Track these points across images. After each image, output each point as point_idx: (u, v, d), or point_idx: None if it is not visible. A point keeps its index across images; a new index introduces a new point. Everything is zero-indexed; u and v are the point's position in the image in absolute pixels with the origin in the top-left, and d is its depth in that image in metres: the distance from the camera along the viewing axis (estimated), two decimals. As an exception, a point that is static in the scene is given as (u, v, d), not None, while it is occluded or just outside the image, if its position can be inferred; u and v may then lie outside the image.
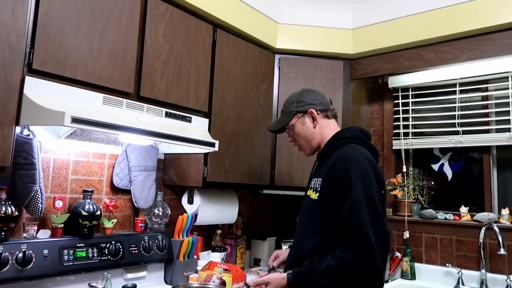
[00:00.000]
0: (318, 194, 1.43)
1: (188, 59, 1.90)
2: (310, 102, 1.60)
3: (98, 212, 1.71)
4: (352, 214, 1.29)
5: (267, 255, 2.60)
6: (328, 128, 1.58)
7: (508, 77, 2.24)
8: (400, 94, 2.61)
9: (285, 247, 2.59)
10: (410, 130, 2.59)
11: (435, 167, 2.57)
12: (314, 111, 1.58)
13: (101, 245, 1.73)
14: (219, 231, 2.33)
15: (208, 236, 2.37)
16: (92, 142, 1.79)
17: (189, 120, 1.87)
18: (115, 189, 1.93)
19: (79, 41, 1.48)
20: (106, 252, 1.73)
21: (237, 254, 2.39)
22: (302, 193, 2.35)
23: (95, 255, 1.69)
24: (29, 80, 1.35)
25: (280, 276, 1.43)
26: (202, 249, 2.27)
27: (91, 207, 1.69)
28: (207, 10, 1.97)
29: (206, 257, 2.18)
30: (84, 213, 1.66)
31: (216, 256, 2.18)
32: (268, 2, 2.35)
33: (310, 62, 2.43)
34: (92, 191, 1.74)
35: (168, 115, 1.77)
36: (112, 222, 1.83)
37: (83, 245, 1.67)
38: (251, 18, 2.26)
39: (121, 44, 1.61)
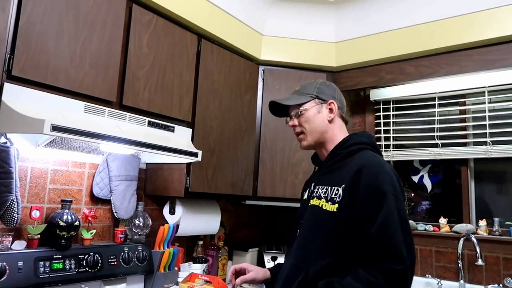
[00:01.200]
0: (337, 205, 1.22)
1: (172, 69, 1.89)
2: (332, 94, 1.41)
3: (77, 223, 1.67)
4: (385, 232, 1.12)
5: (249, 267, 2.58)
6: (340, 130, 1.39)
7: (484, 92, 2.30)
8: (381, 106, 2.66)
9: (267, 258, 2.59)
10: (391, 143, 2.63)
11: (415, 179, 2.62)
12: (335, 103, 1.39)
13: (79, 256, 1.68)
14: (200, 242, 2.30)
15: (190, 247, 2.34)
16: (72, 150, 1.76)
17: (172, 129, 1.85)
18: (94, 199, 1.89)
19: (61, 48, 1.46)
20: (84, 264, 1.69)
21: (218, 266, 2.36)
22: (286, 204, 2.38)
23: (73, 267, 1.65)
24: (8, 87, 1.32)
25: None
26: (184, 260, 2.24)
27: (69, 218, 1.65)
28: (192, 21, 1.98)
29: (187, 268, 2.15)
30: (62, 223, 1.62)
31: (198, 268, 2.16)
32: (253, 14, 2.38)
33: (293, 74, 2.46)
34: (70, 201, 1.70)
35: (150, 124, 1.76)
36: (91, 233, 1.79)
37: (60, 256, 1.63)
38: (236, 29, 2.28)
39: (104, 53, 1.59)
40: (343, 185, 1.22)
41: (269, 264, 2.57)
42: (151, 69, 1.79)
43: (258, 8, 2.40)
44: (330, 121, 1.37)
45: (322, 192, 1.30)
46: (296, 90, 1.44)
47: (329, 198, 1.25)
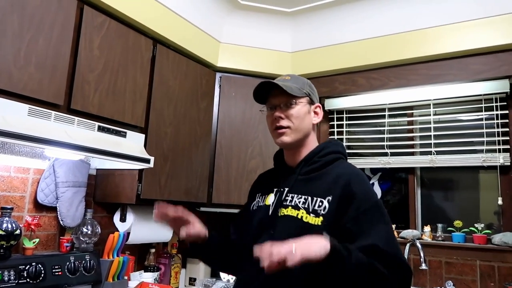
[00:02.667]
0: (321, 218, 1.13)
1: (125, 73, 1.85)
2: (318, 98, 1.34)
3: (18, 231, 1.59)
4: (390, 241, 1.09)
5: (203, 274, 2.55)
6: (315, 137, 1.33)
7: (430, 104, 2.44)
8: (335, 116, 2.74)
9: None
10: (344, 151, 2.71)
11: (366, 186, 2.71)
12: (321, 108, 1.32)
13: (19, 267, 1.60)
14: (153, 250, 2.25)
15: (142, 255, 2.28)
16: (14, 155, 1.68)
17: (123, 135, 1.81)
18: (39, 206, 1.81)
19: (4, 49, 1.39)
20: (25, 275, 1.61)
21: (171, 274, 2.32)
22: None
23: (12, 278, 1.56)
24: None
25: (317, 241, 1.00)
26: (134, 269, 2.19)
27: (9, 226, 1.56)
28: (147, 25, 1.95)
29: (138, 277, 2.10)
30: (1, 232, 1.53)
31: (149, 276, 2.11)
32: (210, 21, 2.39)
33: (250, 81, 2.47)
34: (11, 208, 1.62)
35: (101, 129, 1.71)
36: (34, 242, 1.70)
37: (-2, 267, 1.54)
38: (193, 35, 2.27)
39: (51, 54, 1.54)
40: (329, 197, 1.15)
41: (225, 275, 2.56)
42: (102, 73, 1.74)
43: (215, 15, 2.41)
44: (313, 126, 1.30)
45: (299, 202, 1.18)
46: (287, 79, 1.28)
47: (311, 210, 1.16)
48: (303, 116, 1.25)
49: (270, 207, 1.24)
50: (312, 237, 1.00)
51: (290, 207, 1.19)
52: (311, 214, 1.15)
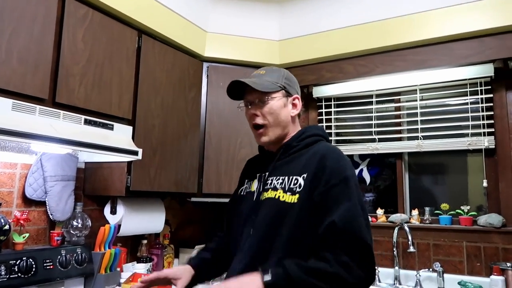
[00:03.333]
0: (297, 195, 1.13)
1: (111, 65, 1.84)
2: (296, 89, 1.32)
3: (7, 227, 1.59)
4: (350, 219, 1.07)
5: (196, 264, 2.58)
6: (296, 128, 1.32)
7: (416, 90, 2.46)
8: (323, 103, 2.75)
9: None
10: (333, 138, 2.74)
11: (355, 172, 2.74)
12: (299, 99, 1.31)
13: (10, 262, 1.60)
14: (145, 241, 2.27)
15: (133, 247, 2.30)
16: (1, 151, 1.66)
17: (111, 127, 1.80)
18: (27, 201, 1.80)
19: (-16, 43, 1.37)
20: (16, 270, 1.61)
21: (164, 264, 2.34)
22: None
23: (3, 273, 1.56)
24: None
25: (250, 280, 1.01)
26: (127, 260, 2.20)
27: (-2, 222, 1.56)
28: (131, 16, 1.93)
29: (131, 268, 2.12)
30: (-11, 228, 1.53)
31: (141, 267, 2.13)
32: (196, 10, 2.37)
33: (238, 71, 2.47)
34: (0, 204, 1.61)
35: (87, 122, 1.70)
36: (24, 237, 1.70)
37: (-11, 263, 1.54)
38: (178, 25, 2.25)
39: (34, 48, 1.51)
40: (304, 174, 1.15)
41: (216, 260, 2.58)
42: (87, 65, 1.73)
43: (201, 5, 2.39)
44: (292, 117, 1.29)
45: (277, 183, 1.19)
46: (261, 74, 1.28)
47: (287, 188, 1.16)
48: (278, 111, 1.24)
49: (255, 193, 1.26)
50: (246, 277, 1.02)
51: (270, 190, 1.20)
52: (288, 193, 1.16)
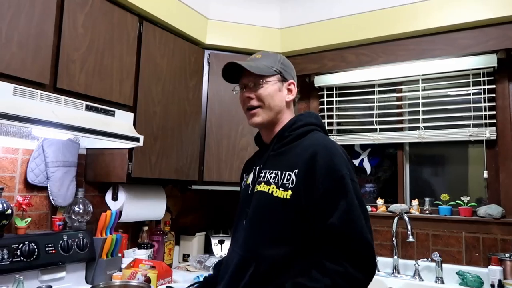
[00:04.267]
0: (290, 192, 1.13)
1: (111, 51, 1.83)
2: (292, 74, 1.32)
3: (9, 211, 1.60)
4: (349, 219, 1.06)
5: (196, 251, 2.61)
6: (291, 114, 1.31)
7: (418, 80, 2.44)
8: (325, 93, 2.74)
9: (214, 241, 2.62)
10: (334, 128, 2.73)
11: (356, 162, 2.75)
12: (295, 84, 1.30)
13: (13, 246, 1.62)
14: (146, 228, 2.29)
15: (135, 233, 2.32)
16: (2, 136, 1.67)
17: (112, 114, 1.81)
18: (29, 186, 1.82)
19: (-15, 27, 1.37)
20: (19, 253, 1.63)
21: (165, 251, 2.36)
22: (232, 188, 2.40)
23: (5, 257, 1.58)
24: None
25: None
26: (128, 246, 2.22)
27: (0, 206, 1.57)
28: (132, 1, 1.92)
29: (132, 254, 2.14)
30: (-8, 212, 1.55)
31: (142, 253, 2.15)
32: (197, -3, 2.35)
33: (240, 58, 2.40)
34: (2, 188, 1.62)
35: (88, 108, 1.70)
36: (26, 221, 1.72)
37: (-9, 246, 1.56)
38: (180, 12, 2.24)
39: (34, 33, 1.51)
40: (296, 170, 1.14)
41: (216, 247, 2.61)
42: (87, 51, 1.72)
43: (203, -9, 2.37)
44: (287, 103, 1.28)
45: (271, 178, 1.19)
46: (257, 58, 1.28)
47: (280, 184, 1.16)
48: (272, 94, 1.24)
49: (250, 186, 1.27)
50: None
51: (263, 183, 1.21)
52: (280, 188, 1.15)
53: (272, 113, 1.25)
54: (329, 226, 1.06)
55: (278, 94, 1.26)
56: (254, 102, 1.24)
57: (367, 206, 2.51)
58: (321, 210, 1.09)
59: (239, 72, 1.27)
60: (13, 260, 1.61)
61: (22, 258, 1.64)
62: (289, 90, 1.29)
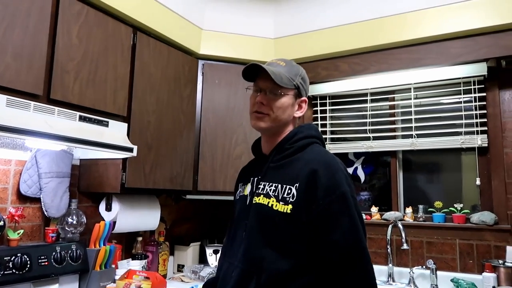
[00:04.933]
0: (291, 206, 1.12)
1: (105, 62, 1.84)
2: (307, 91, 1.30)
3: (1, 223, 1.59)
4: (352, 238, 1.07)
5: (191, 261, 2.59)
6: (294, 126, 1.30)
7: (410, 88, 2.47)
8: (318, 101, 2.76)
9: (209, 251, 2.61)
10: (328, 136, 2.75)
11: (350, 170, 2.76)
12: (307, 102, 1.29)
13: (5, 258, 1.59)
14: (140, 238, 2.27)
15: (129, 244, 2.30)
16: (-5, 147, 1.66)
17: (106, 124, 1.80)
18: (22, 198, 1.80)
19: (-22, 38, 1.37)
20: (11, 266, 1.61)
21: (159, 261, 2.35)
22: (226, 198, 2.41)
23: (-3, 269, 1.56)
24: None
25: None
26: (122, 257, 2.20)
27: (-8, 218, 1.56)
28: (126, 12, 1.93)
29: (126, 265, 2.12)
30: (-16, 224, 1.53)
31: (136, 264, 2.13)
32: (191, 8, 2.37)
33: (233, 68, 2.48)
34: (-6, 200, 1.61)
35: (82, 119, 1.70)
36: (18, 233, 1.70)
37: (-17, 259, 1.54)
38: (173, 22, 2.25)
39: (28, 44, 1.51)
40: (297, 184, 1.13)
41: (211, 257, 2.60)
42: (82, 62, 1.72)
43: (196, 2, 2.39)
44: (293, 118, 1.27)
45: (270, 190, 1.17)
46: (280, 65, 1.25)
47: (280, 197, 1.14)
48: (285, 108, 1.22)
49: (248, 197, 1.25)
50: None
51: (262, 195, 1.19)
52: (281, 202, 1.14)
53: (276, 124, 1.23)
54: (332, 243, 1.07)
55: (289, 108, 1.24)
56: (265, 110, 1.21)
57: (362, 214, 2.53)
58: (322, 227, 1.08)
59: (256, 73, 1.24)
60: (5, 272, 1.59)
61: (14, 270, 1.61)
62: (300, 107, 1.27)
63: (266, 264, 1.11)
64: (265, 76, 1.20)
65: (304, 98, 1.28)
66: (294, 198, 1.12)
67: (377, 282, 2.33)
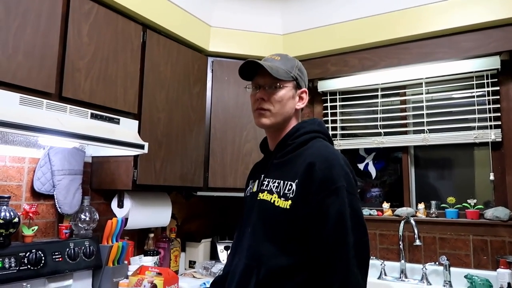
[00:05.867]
0: (290, 202, 1.12)
1: (116, 60, 1.85)
2: (306, 82, 1.31)
3: (16, 219, 1.62)
4: (336, 233, 1.05)
5: (202, 257, 2.60)
6: (298, 120, 1.30)
7: (422, 83, 2.44)
8: (328, 97, 2.75)
9: (220, 248, 2.62)
10: (338, 132, 2.73)
11: (361, 166, 2.74)
12: (307, 93, 1.29)
13: (20, 254, 1.63)
14: (151, 235, 2.29)
15: (141, 240, 2.32)
16: (9, 145, 1.69)
17: (117, 121, 1.82)
18: (36, 195, 1.83)
19: (-9, 38, 1.39)
20: (26, 262, 1.64)
21: (171, 257, 2.36)
22: (237, 194, 2.41)
23: (13, 265, 1.59)
24: None
25: None
26: (134, 253, 2.23)
27: (7, 214, 1.59)
28: (136, 10, 1.94)
29: (138, 261, 2.14)
30: (-1, 220, 1.56)
31: (148, 260, 2.15)
32: (200, 5, 2.37)
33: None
34: (9, 197, 1.64)
35: (94, 116, 1.72)
36: (33, 230, 1.73)
37: (-2, 255, 1.57)
38: (182, 20, 2.26)
39: (40, 43, 1.53)
40: (297, 180, 1.13)
41: (222, 253, 2.61)
42: (92, 60, 1.74)
43: (205, -1, 2.40)
44: (296, 110, 1.27)
45: (273, 187, 1.19)
46: (275, 60, 1.25)
47: (281, 193, 1.15)
48: (285, 101, 1.23)
49: (255, 194, 1.26)
50: None
51: (266, 192, 1.20)
52: (282, 198, 1.15)
53: (280, 118, 1.24)
54: (320, 241, 1.06)
55: (290, 101, 1.24)
56: (266, 105, 1.22)
57: (373, 211, 2.50)
58: (314, 223, 1.08)
59: (254, 70, 1.25)
60: (21, 268, 1.62)
61: (29, 266, 1.65)
62: (301, 98, 1.28)
63: (266, 259, 1.12)
64: (262, 73, 1.21)
65: (304, 89, 1.28)
66: (293, 194, 1.12)
67: (390, 278, 2.34)
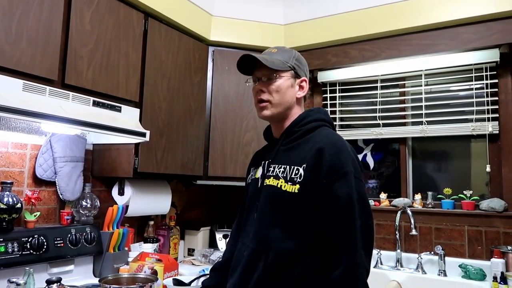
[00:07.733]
0: (298, 186, 1.15)
1: (118, 48, 1.86)
2: (305, 71, 1.33)
3: (19, 205, 1.64)
4: (346, 214, 1.09)
5: (201, 245, 2.64)
6: (301, 110, 1.33)
7: (421, 75, 2.46)
8: (328, 88, 2.76)
9: (218, 236, 2.65)
10: (337, 123, 2.75)
11: (359, 157, 2.76)
12: (307, 81, 1.32)
13: (22, 239, 1.65)
14: (151, 222, 2.32)
15: (141, 227, 2.35)
16: (11, 131, 1.70)
17: (118, 109, 1.83)
18: (38, 181, 1.85)
19: (-5, 24, 1.39)
20: (28, 247, 1.66)
21: (170, 245, 2.39)
22: (237, 183, 2.44)
23: (16, 250, 1.61)
24: None
25: None
26: (134, 240, 2.25)
27: (10, 200, 1.61)
28: (138, -2, 1.94)
29: (138, 248, 2.17)
30: (2, 206, 1.58)
31: (148, 247, 2.18)
32: (202, -6, 2.37)
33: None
34: (11, 183, 1.65)
35: (96, 104, 1.73)
36: (35, 215, 1.75)
37: (2, 239, 1.58)
38: (184, 8, 2.26)
39: (42, 30, 1.54)
40: (304, 165, 1.16)
41: (221, 241, 2.64)
42: (95, 48, 1.75)
43: (207, -12, 2.39)
44: (297, 99, 1.30)
45: (279, 172, 1.21)
46: (272, 52, 1.29)
47: (288, 178, 1.18)
48: (284, 90, 1.26)
49: (259, 180, 1.29)
50: None
51: (272, 177, 1.23)
52: (289, 183, 1.18)
53: (281, 108, 1.27)
54: (331, 224, 1.10)
55: (289, 90, 1.27)
56: (265, 96, 1.26)
57: (370, 201, 2.53)
58: (324, 206, 1.12)
59: (253, 64, 1.29)
60: (23, 253, 1.64)
61: (31, 251, 1.67)
62: (301, 87, 1.31)
63: (274, 243, 1.15)
64: (260, 66, 1.26)
65: (303, 78, 1.31)
66: (302, 178, 1.15)
67: (385, 267, 2.38)
